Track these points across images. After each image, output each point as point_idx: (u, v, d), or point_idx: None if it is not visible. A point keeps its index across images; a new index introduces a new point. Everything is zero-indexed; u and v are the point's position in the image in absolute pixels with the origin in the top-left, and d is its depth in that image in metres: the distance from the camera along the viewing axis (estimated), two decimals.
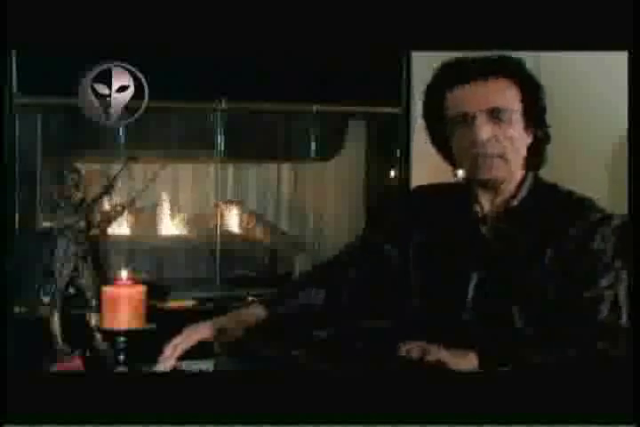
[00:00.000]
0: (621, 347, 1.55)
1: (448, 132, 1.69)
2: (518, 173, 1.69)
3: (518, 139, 1.66)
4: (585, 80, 2.88)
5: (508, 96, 1.65)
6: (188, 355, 1.66)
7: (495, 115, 1.63)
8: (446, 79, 1.69)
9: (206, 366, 1.70)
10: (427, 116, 1.75)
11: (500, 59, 1.68)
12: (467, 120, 1.64)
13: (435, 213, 1.77)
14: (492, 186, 1.69)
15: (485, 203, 1.71)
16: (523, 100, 1.66)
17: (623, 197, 1.68)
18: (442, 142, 1.73)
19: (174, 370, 1.64)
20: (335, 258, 1.86)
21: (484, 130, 1.63)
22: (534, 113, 1.68)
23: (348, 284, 1.80)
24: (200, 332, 1.68)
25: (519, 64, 1.69)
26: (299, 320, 1.78)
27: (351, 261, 1.82)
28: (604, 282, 1.60)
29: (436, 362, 1.53)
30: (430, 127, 1.75)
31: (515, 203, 1.69)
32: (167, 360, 1.64)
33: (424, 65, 3.08)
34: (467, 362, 1.54)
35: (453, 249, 1.71)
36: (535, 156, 1.70)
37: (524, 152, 1.68)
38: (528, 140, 1.68)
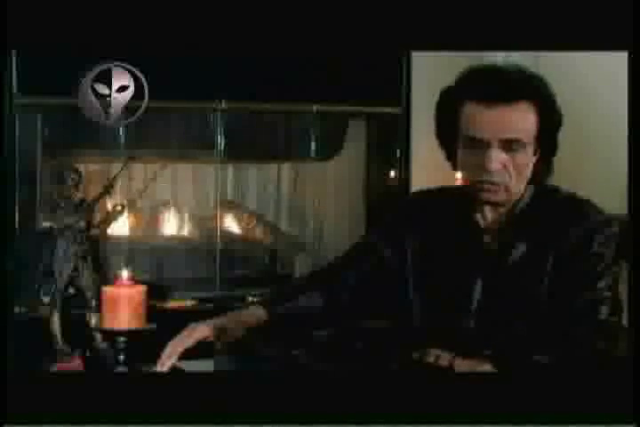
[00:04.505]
0: (621, 347, 1.55)
1: (457, 143, 1.64)
2: (521, 188, 1.67)
3: (526, 165, 1.62)
4: (585, 80, 2.89)
5: (527, 125, 1.60)
6: (187, 355, 1.66)
7: (510, 146, 1.59)
8: (466, 92, 1.62)
9: (206, 365, 1.70)
10: (439, 110, 1.68)
11: (525, 78, 1.62)
12: (480, 144, 1.60)
13: (435, 222, 1.76)
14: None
15: (487, 212, 1.70)
16: (540, 126, 1.61)
17: (623, 197, 1.68)
18: (447, 140, 1.69)
19: (174, 370, 1.64)
20: (335, 261, 1.86)
21: (496, 160, 1.59)
22: (549, 137, 1.64)
23: (347, 287, 1.80)
24: (200, 331, 1.68)
25: (542, 84, 1.64)
26: (299, 321, 1.77)
27: (351, 265, 1.82)
28: (603, 283, 1.60)
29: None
30: (439, 120, 1.69)
31: (517, 211, 1.68)
32: (167, 360, 1.64)
33: (424, 65, 3.10)
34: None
35: (456, 258, 1.70)
36: (540, 171, 1.68)
37: (528, 175, 1.65)
38: (534, 158, 1.64)
